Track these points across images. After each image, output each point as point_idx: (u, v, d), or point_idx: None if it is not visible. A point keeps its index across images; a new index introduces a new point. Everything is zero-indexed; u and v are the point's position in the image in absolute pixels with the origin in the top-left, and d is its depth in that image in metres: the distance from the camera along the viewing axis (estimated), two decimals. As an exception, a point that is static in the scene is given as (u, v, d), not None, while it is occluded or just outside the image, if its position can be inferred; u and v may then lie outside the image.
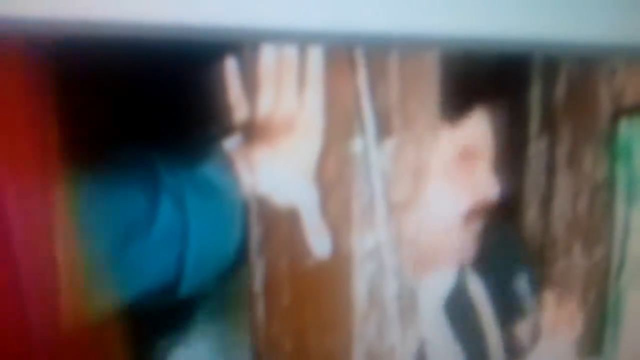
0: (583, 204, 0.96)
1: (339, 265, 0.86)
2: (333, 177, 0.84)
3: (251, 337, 0.87)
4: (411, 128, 0.85)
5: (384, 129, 0.84)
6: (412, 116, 0.85)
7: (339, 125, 0.83)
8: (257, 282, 0.86)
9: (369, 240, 0.87)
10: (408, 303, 0.91)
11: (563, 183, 0.95)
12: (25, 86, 0.69)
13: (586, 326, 0.98)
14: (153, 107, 0.81)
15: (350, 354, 0.88)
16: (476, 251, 0.91)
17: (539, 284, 0.93)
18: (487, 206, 0.89)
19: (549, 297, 0.94)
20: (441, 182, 0.88)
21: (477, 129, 0.88)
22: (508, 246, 0.94)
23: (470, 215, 0.89)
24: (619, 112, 0.95)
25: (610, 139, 0.95)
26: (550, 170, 0.94)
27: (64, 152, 0.74)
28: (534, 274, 0.94)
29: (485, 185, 0.89)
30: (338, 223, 0.85)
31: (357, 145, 0.84)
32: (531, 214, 0.94)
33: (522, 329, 0.94)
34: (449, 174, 0.88)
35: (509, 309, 0.93)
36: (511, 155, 0.91)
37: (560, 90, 0.92)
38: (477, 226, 0.90)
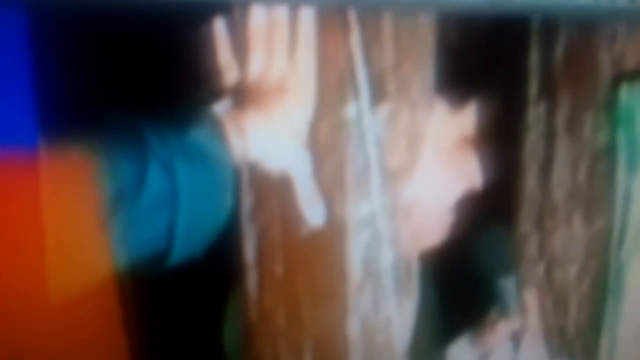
0: (583, 171, 0.95)
1: (332, 233, 0.86)
2: (326, 143, 0.84)
3: (243, 308, 0.87)
4: (406, 93, 0.85)
5: (378, 94, 0.84)
6: (407, 80, 0.85)
7: (332, 89, 0.82)
8: (249, 251, 0.86)
9: (363, 208, 0.87)
10: (404, 273, 0.91)
11: (562, 149, 0.94)
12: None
13: (586, 299, 0.98)
14: (140, 71, 0.81)
15: (345, 325, 0.88)
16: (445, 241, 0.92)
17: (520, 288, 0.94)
18: (473, 194, 0.90)
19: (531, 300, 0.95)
20: (432, 167, 0.88)
21: (476, 117, 0.89)
22: (496, 246, 0.94)
23: (456, 204, 0.90)
24: (620, 77, 0.94)
25: (610, 105, 0.95)
26: (550, 137, 0.94)
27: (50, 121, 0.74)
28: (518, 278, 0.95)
29: (473, 174, 0.90)
30: (331, 190, 0.85)
31: (350, 110, 0.83)
32: (530, 181, 0.94)
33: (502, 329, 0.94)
34: (442, 161, 0.88)
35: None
36: (507, 133, 0.91)
37: (560, 54, 0.92)
38: (461, 213, 0.91)
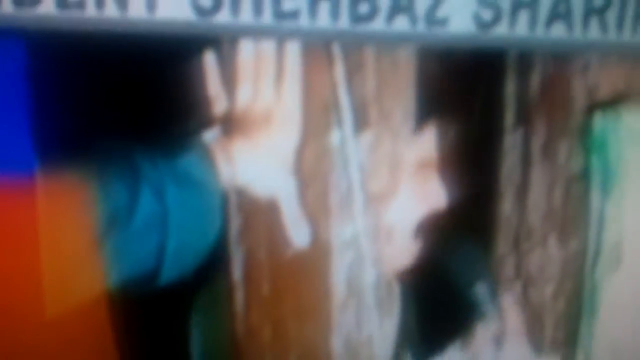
0: (558, 195, 0.98)
1: (317, 255, 0.89)
2: (311, 169, 0.87)
3: (230, 326, 0.89)
4: (388, 121, 0.88)
5: (361, 122, 0.87)
6: (388, 109, 0.88)
7: (317, 118, 0.85)
8: (237, 271, 0.88)
9: (347, 231, 0.90)
10: (385, 292, 0.94)
11: (538, 175, 0.97)
12: None
13: (562, 318, 1.00)
14: (133, 101, 0.84)
15: (328, 343, 0.91)
16: (420, 260, 0.95)
17: (496, 292, 0.97)
18: (436, 215, 0.93)
19: (509, 302, 0.97)
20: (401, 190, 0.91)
21: (434, 140, 0.92)
22: (466, 255, 0.97)
23: (420, 225, 0.93)
24: (593, 106, 0.97)
25: (584, 132, 0.98)
26: (526, 163, 0.97)
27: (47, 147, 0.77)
28: (492, 282, 0.97)
29: (436, 195, 0.92)
30: (316, 214, 0.88)
31: (334, 137, 0.86)
32: (506, 206, 0.97)
33: (484, 333, 0.97)
34: (405, 182, 0.91)
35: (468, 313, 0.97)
36: (484, 159, 0.94)
37: (535, 84, 0.95)
38: (425, 235, 0.94)
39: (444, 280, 0.96)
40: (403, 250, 0.94)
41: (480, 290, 0.96)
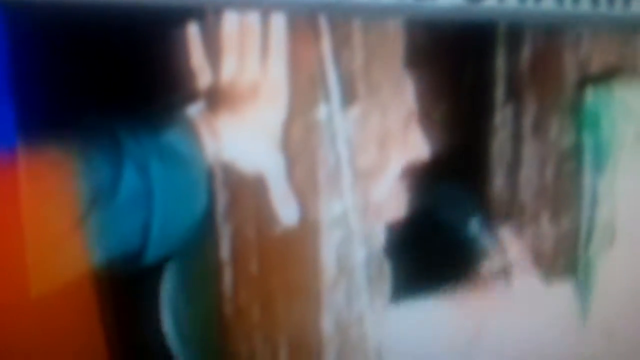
0: (550, 172, 0.97)
1: (306, 232, 0.88)
2: (298, 144, 0.86)
3: (218, 305, 0.88)
4: (376, 95, 0.87)
5: (348, 96, 0.86)
6: (376, 83, 0.87)
7: (303, 92, 0.84)
8: (224, 249, 0.87)
9: (335, 207, 0.88)
10: (376, 270, 0.93)
11: (529, 151, 0.96)
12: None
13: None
14: (115, 74, 0.82)
15: (318, 322, 0.90)
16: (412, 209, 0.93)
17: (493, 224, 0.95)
18: (420, 165, 0.92)
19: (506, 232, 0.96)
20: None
21: (411, 87, 0.90)
22: (454, 198, 0.96)
23: (404, 175, 0.91)
24: (585, 80, 0.96)
25: (576, 107, 0.97)
26: (516, 139, 0.96)
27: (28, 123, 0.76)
28: (485, 218, 0.96)
29: (417, 145, 0.91)
30: (304, 190, 0.87)
31: (321, 112, 0.85)
32: (497, 183, 0.96)
33: (490, 269, 0.95)
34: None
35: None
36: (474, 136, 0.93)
37: (526, 58, 0.94)
38: (410, 185, 0.92)
39: (438, 224, 0.94)
40: (390, 202, 0.92)
41: (476, 226, 0.94)
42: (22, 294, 0.79)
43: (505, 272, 0.95)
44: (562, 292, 0.98)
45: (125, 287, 0.83)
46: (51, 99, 0.77)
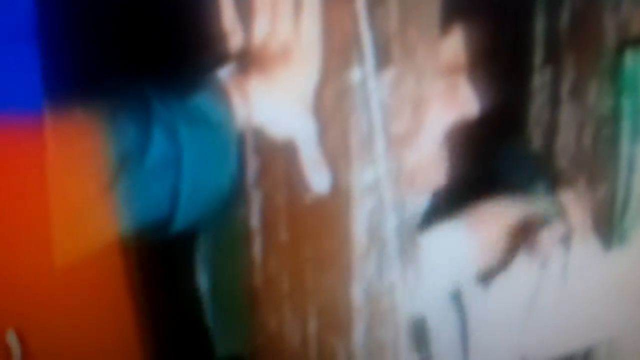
0: (587, 138, 0.95)
1: (337, 200, 0.86)
2: (331, 109, 0.83)
3: (248, 274, 0.87)
4: (411, 57, 0.84)
5: (383, 59, 0.83)
6: (412, 45, 0.84)
7: (337, 53, 0.82)
8: (254, 217, 0.86)
9: (368, 175, 0.86)
10: (408, 240, 0.91)
11: (567, 116, 0.94)
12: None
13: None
14: (144, 35, 0.80)
15: (349, 292, 0.88)
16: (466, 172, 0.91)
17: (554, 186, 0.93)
18: (468, 123, 0.89)
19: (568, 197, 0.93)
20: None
21: (458, 41, 0.88)
22: (516, 158, 0.94)
23: (452, 133, 0.89)
24: (625, 43, 0.94)
25: (615, 72, 0.94)
26: (554, 103, 0.94)
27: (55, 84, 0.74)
28: (548, 178, 0.94)
29: (466, 101, 0.89)
30: (336, 156, 0.85)
31: (355, 75, 0.83)
32: (534, 147, 0.94)
33: (549, 236, 0.93)
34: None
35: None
36: (505, 73, 0.90)
37: (565, 20, 0.91)
38: (461, 144, 0.90)
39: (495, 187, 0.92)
40: (434, 164, 0.90)
41: (537, 184, 0.92)
42: (46, 263, 0.77)
43: (565, 238, 0.93)
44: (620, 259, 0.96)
45: (155, 256, 0.82)
46: (79, 60, 0.75)
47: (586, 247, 0.95)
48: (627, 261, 0.96)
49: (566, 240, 0.93)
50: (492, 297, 0.95)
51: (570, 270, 0.94)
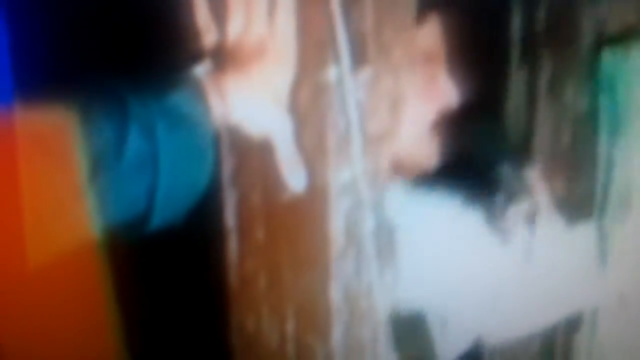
0: (565, 135, 0.97)
1: (314, 199, 0.87)
2: (307, 107, 0.85)
3: (224, 274, 0.88)
4: (387, 57, 0.86)
5: (359, 57, 0.85)
6: (388, 44, 0.86)
7: (313, 52, 0.83)
8: (230, 216, 0.87)
9: (345, 174, 0.88)
10: (386, 239, 0.93)
11: (544, 115, 0.96)
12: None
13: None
14: (119, 32, 0.81)
15: (327, 292, 0.90)
16: (444, 157, 0.93)
17: (522, 165, 0.95)
18: (449, 112, 0.91)
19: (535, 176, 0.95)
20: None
21: (434, 31, 0.89)
22: (485, 138, 0.96)
23: (435, 123, 0.91)
24: (602, 42, 0.96)
25: (592, 70, 0.96)
26: (531, 102, 0.95)
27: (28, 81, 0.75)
28: (516, 157, 0.95)
29: (445, 90, 0.91)
30: (313, 155, 0.86)
31: (331, 73, 0.84)
32: (511, 144, 0.95)
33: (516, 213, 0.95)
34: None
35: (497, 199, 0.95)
36: (481, 69, 0.92)
37: (541, 17, 0.93)
38: (441, 132, 0.92)
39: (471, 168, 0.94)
40: (421, 153, 0.92)
41: (506, 168, 0.94)
42: (19, 264, 0.78)
43: (530, 216, 0.95)
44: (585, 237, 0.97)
45: (131, 254, 0.83)
46: (52, 57, 0.76)
47: (550, 224, 0.96)
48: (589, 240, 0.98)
49: (531, 218, 0.95)
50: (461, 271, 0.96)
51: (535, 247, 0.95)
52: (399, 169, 0.91)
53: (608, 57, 0.95)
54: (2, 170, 0.76)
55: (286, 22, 0.81)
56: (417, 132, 0.92)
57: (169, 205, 0.80)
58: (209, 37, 0.82)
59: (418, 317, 1.00)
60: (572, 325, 1.02)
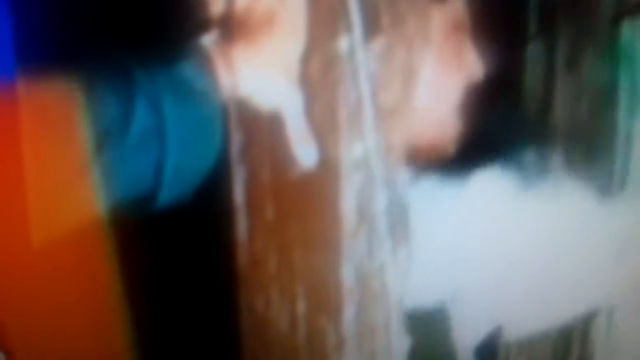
0: (584, 109, 0.96)
1: (325, 175, 0.86)
2: (318, 80, 0.84)
3: (233, 254, 0.87)
4: (401, 27, 0.85)
5: (371, 28, 0.84)
6: (402, 14, 0.85)
7: (323, 21, 0.82)
8: (238, 193, 0.86)
9: (357, 149, 0.87)
10: (399, 217, 0.91)
11: (562, 88, 0.95)
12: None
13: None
14: (124, 3, 0.80)
15: (338, 272, 0.89)
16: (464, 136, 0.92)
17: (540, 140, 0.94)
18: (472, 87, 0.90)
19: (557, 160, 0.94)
20: (432, 66, 0.88)
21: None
22: (503, 113, 0.95)
23: (459, 99, 0.90)
24: (622, 13, 0.95)
25: (612, 42, 0.95)
26: (549, 76, 0.94)
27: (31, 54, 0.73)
28: (535, 131, 0.94)
29: (472, 63, 0.89)
30: (324, 130, 0.85)
31: (343, 44, 0.83)
32: (530, 118, 0.94)
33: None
34: (440, 54, 0.88)
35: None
36: (499, 41, 0.91)
37: (560, -12, 0.92)
38: (463, 110, 0.91)
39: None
40: (441, 135, 0.91)
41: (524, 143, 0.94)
42: (23, 243, 0.77)
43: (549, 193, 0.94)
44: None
45: (138, 232, 0.82)
46: (56, 27, 0.75)
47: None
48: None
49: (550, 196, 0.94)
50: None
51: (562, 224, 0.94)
52: (415, 153, 0.90)
53: (627, 29, 0.94)
54: (5, 146, 0.75)
55: (296, -9, 0.80)
56: (441, 109, 0.90)
57: (177, 182, 0.79)
58: (216, 6, 0.80)
59: (432, 301, 0.99)
60: (589, 314, 1.01)
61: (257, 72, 0.81)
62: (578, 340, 1.03)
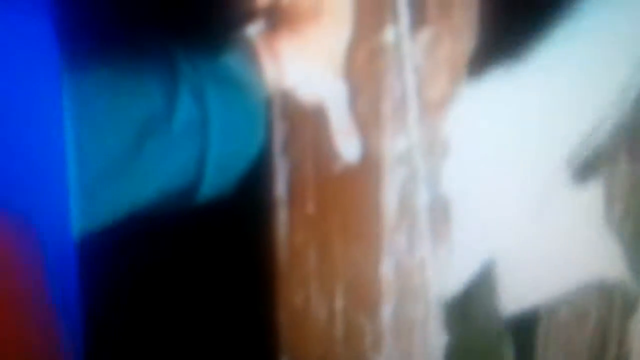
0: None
1: (367, 170, 0.86)
2: (362, 72, 0.83)
3: (272, 247, 0.86)
4: (449, 17, 0.84)
5: (418, 18, 0.83)
6: (449, 4, 0.84)
7: (370, 12, 0.81)
8: (280, 186, 0.85)
9: (400, 143, 0.86)
10: (441, 214, 0.91)
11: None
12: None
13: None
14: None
15: (378, 267, 0.88)
16: None
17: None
18: None
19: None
20: None
21: None
22: None
23: None
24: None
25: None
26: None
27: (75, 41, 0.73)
28: None
29: None
30: (367, 123, 0.84)
31: (388, 35, 0.82)
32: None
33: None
34: None
35: None
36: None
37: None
38: None
39: None
40: None
41: None
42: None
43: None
44: None
45: (178, 225, 0.81)
46: (100, 15, 0.74)
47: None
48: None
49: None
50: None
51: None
52: None
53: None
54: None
55: (343, -20, 0.79)
56: None
57: (219, 175, 0.78)
58: (262, -6, 0.80)
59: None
60: (627, 308, 1.00)
61: (302, 63, 0.80)
62: (616, 336, 1.02)
